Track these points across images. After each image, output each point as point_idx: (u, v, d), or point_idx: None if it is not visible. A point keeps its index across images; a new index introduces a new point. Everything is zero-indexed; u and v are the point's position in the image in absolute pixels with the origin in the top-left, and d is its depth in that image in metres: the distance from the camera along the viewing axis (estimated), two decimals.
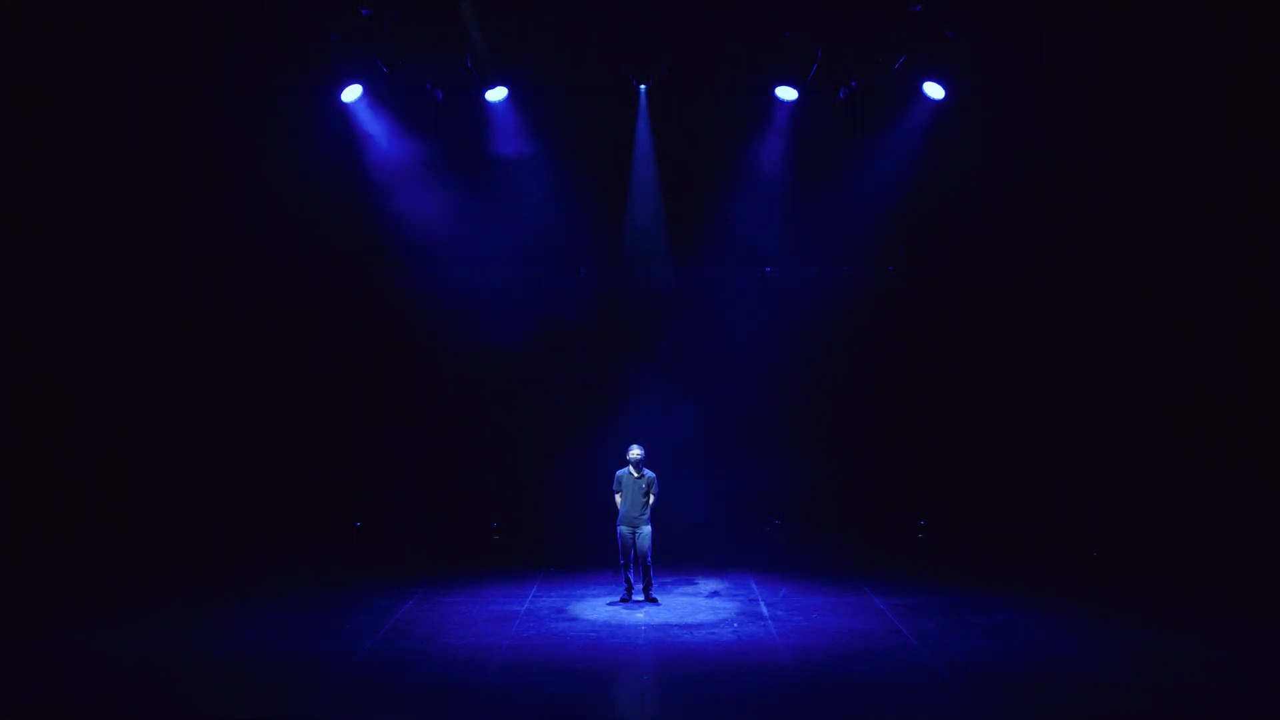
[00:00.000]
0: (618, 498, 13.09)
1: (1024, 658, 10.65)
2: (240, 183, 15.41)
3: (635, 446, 13.10)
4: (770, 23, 14.11)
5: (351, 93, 14.65)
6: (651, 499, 13.04)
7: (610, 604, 12.94)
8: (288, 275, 16.02)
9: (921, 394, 16.35)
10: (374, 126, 15.37)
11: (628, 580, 13.01)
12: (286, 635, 11.52)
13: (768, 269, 16.56)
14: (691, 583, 14.20)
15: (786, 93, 14.89)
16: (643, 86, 15.19)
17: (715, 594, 13.59)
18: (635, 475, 13.03)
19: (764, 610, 12.64)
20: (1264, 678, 9.96)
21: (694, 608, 12.81)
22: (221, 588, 13.69)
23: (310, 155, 15.33)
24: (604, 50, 14.54)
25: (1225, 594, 13.20)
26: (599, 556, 14.46)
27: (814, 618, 12.26)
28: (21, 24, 13.76)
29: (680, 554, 14.97)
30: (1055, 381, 16.00)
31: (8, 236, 14.92)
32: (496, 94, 14.85)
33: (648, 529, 12.98)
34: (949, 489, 16.20)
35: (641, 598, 13.03)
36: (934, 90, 14.67)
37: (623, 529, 12.98)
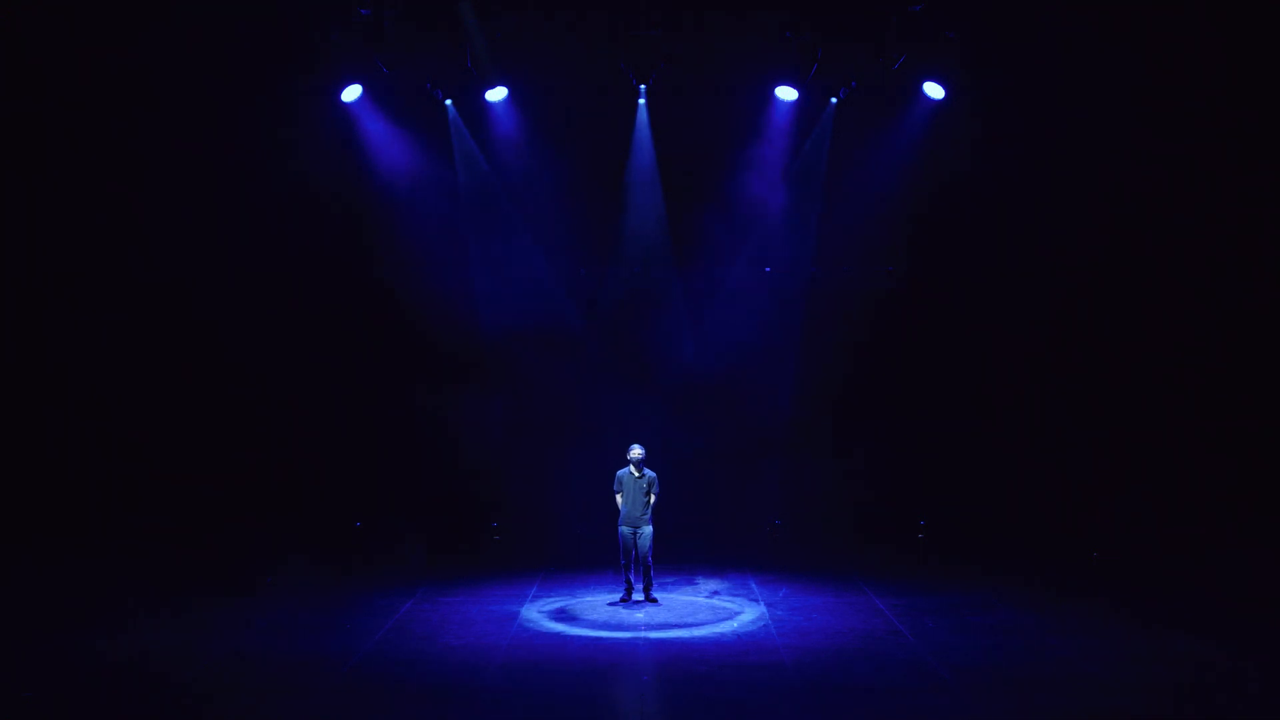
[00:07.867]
0: (619, 498, 13.06)
1: (1024, 658, 10.64)
2: (239, 182, 15.39)
3: (636, 446, 13.07)
4: (770, 23, 14.12)
5: (351, 93, 14.65)
6: (653, 499, 13.02)
7: (610, 604, 12.93)
8: (287, 275, 16.01)
9: (921, 393, 16.35)
10: (374, 126, 15.37)
11: (628, 580, 12.98)
12: (286, 635, 11.51)
13: (768, 269, 16.56)
14: (692, 583, 14.20)
15: (786, 93, 14.90)
16: (643, 86, 15.20)
17: (715, 594, 13.58)
18: (636, 475, 13.00)
19: (764, 610, 12.63)
20: (1263, 677, 9.95)
21: (694, 608, 12.80)
22: (222, 588, 13.68)
23: (309, 155, 15.31)
24: (604, 50, 14.55)
25: (1223, 594, 13.19)
26: (599, 556, 14.46)
27: (814, 618, 12.25)
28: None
29: (680, 554, 14.98)
30: (1055, 381, 16.01)
31: (8, 235, 14.95)
32: (496, 94, 14.86)
33: (649, 529, 12.95)
34: (948, 489, 16.21)
35: (641, 597, 13.02)
36: (934, 90, 14.67)
37: (624, 529, 12.95)
